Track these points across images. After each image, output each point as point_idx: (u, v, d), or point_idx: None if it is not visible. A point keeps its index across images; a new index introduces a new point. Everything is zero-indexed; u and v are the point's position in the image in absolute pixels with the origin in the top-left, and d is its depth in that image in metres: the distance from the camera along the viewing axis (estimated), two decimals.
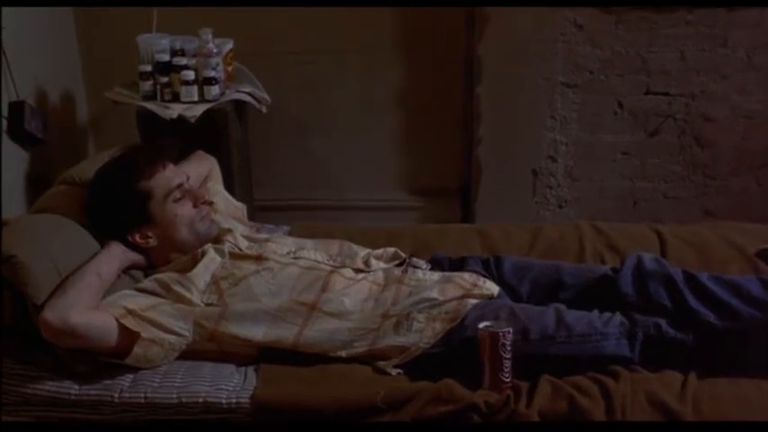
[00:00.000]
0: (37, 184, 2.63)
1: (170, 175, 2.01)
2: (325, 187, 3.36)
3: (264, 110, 2.82)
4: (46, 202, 2.09)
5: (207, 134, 2.57)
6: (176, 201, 2.01)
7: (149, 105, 2.57)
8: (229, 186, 2.53)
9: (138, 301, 1.85)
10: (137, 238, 1.99)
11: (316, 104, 3.24)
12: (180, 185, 2.02)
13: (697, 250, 2.33)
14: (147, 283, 1.93)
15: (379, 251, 2.16)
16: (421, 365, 1.84)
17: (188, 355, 1.88)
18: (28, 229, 1.88)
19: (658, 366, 1.84)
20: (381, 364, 1.86)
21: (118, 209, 1.98)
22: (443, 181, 3.34)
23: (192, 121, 2.52)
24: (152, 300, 1.88)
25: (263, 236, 2.16)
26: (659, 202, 3.21)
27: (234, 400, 1.76)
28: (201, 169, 2.34)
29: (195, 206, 2.04)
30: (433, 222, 3.33)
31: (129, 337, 1.78)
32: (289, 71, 3.14)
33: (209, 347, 1.88)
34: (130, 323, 1.78)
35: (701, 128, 3.08)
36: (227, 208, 2.32)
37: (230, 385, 1.80)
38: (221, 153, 2.55)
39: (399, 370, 1.85)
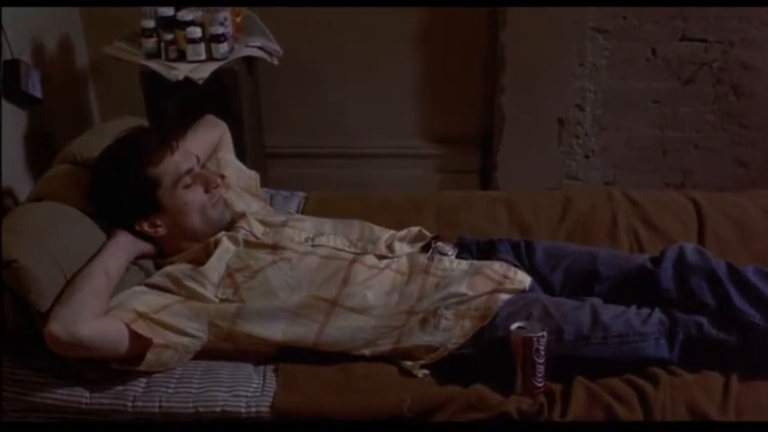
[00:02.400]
0: (37, 143, 2.50)
1: (179, 160, 1.87)
2: (338, 134, 3.20)
3: (276, 62, 2.65)
4: (46, 187, 1.95)
5: (215, 95, 2.41)
6: (186, 187, 1.88)
7: (153, 65, 2.40)
8: (241, 150, 2.39)
9: (148, 302, 1.74)
10: (145, 227, 1.87)
11: (329, 47, 3.04)
12: (190, 170, 1.88)
13: (735, 222, 2.22)
14: (157, 278, 1.82)
15: (403, 232, 2.04)
16: (449, 366, 1.75)
17: (204, 354, 1.78)
18: (28, 225, 1.75)
19: (698, 367, 1.75)
20: (408, 365, 1.76)
21: (124, 198, 1.84)
22: (463, 128, 3.19)
23: (200, 83, 2.35)
24: (163, 298, 1.77)
25: (280, 217, 2.03)
26: (690, 153, 3.06)
27: (253, 409, 1.67)
28: (211, 138, 2.20)
29: (207, 191, 1.91)
30: (451, 172, 3.24)
31: (140, 343, 1.68)
32: (300, 13, 2.94)
33: (226, 347, 1.78)
34: (142, 328, 1.68)
35: (739, 76, 2.90)
36: (240, 180, 2.18)
37: (249, 391, 1.71)
38: (231, 114, 2.39)
39: (426, 371, 1.76)
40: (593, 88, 2.95)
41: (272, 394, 1.71)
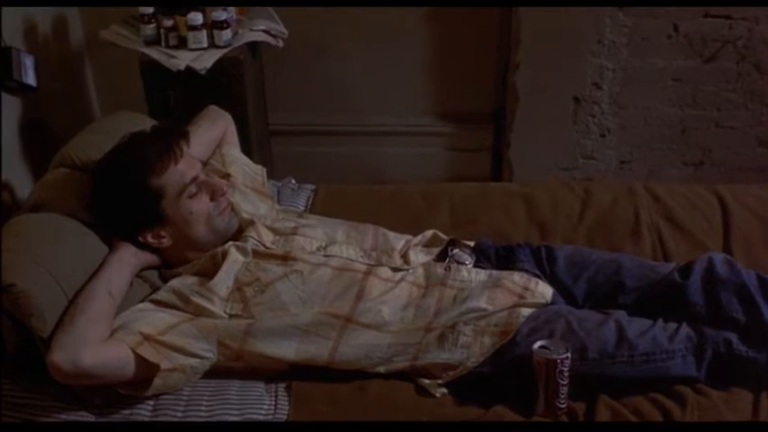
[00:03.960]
0: (33, 131, 2.39)
1: (183, 169, 1.77)
2: (346, 111, 3.09)
3: (281, 44, 2.53)
4: (43, 194, 1.85)
5: (219, 83, 2.30)
6: (191, 196, 1.78)
7: (152, 53, 2.28)
8: (246, 139, 2.29)
9: (154, 322, 1.66)
10: (149, 238, 1.78)
11: (337, 22, 2.91)
12: (195, 179, 1.79)
13: (761, 219, 2.14)
14: (163, 294, 1.74)
15: (418, 238, 1.96)
16: (468, 385, 1.68)
17: (212, 372, 1.71)
18: (26, 244, 1.65)
19: (726, 385, 1.68)
20: (426, 383, 1.69)
21: (126, 210, 1.75)
22: (474, 105, 3.08)
23: (203, 73, 2.24)
24: (170, 316, 1.69)
25: (289, 223, 1.94)
26: (710, 131, 2.96)
27: None
28: (215, 133, 2.10)
29: (213, 199, 1.82)
30: (462, 150, 3.14)
31: (147, 367, 1.60)
32: None
33: (236, 365, 1.71)
34: (148, 352, 1.60)
35: (763, 54, 2.78)
36: (246, 178, 2.09)
37: (260, 413, 1.64)
38: (235, 103, 2.29)
39: (444, 390, 1.69)
40: (611, 66, 2.84)
41: (285, 417, 1.64)
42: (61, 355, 1.52)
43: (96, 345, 1.56)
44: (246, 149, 2.27)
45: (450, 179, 3.13)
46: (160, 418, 1.63)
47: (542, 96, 2.91)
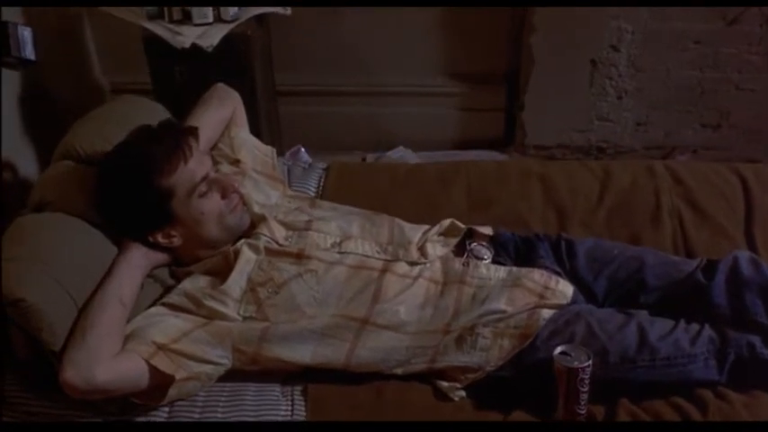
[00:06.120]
0: (34, 105, 2.32)
1: (193, 168, 1.70)
2: (355, 71, 3.01)
3: (289, 11, 2.43)
4: (47, 192, 1.78)
5: (226, 59, 2.21)
6: (202, 195, 1.72)
7: (156, 29, 2.18)
8: (254, 114, 2.21)
9: (167, 329, 1.62)
10: (159, 238, 1.73)
11: None
12: (205, 177, 1.73)
13: None
14: (175, 298, 1.70)
15: (435, 228, 1.90)
16: (487, 388, 1.66)
17: (227, 377, 1.68)
18: (33, 252, 1.59)
19: (748, 388, 1.65)
20: (444, 386, 1.67)
21: (135, 211, 1.69)
22: (488, 66, 2.99)
23: (209, 50, 2.15)
24: (183, 322, 1.65)
25: (303, 217, 1.88)
26: (729, 94, 2.89)
27: None
28: (223, 114, 2.03)
29: (224, 197, 1.76)
30: (475, 110, 3.06)
31: (161, 377, 1.57)
32: None
33: (251, 369, 1.69)
34: (162, 363, 1.57)
35: None
36: (255, 162, 2.02)
37: (277, 419, 1.62)
38: (243, 78, 2.21)
39: (463, 393, 1.67)
40: (630, 29, 2.75)
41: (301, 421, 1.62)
42: (74, 373, 1.48)
43: (109, 360, 1.53)
44: (254, 121, 2.20)
45: (462, 140, 3.06)
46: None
47: (559, 59, 2.83)
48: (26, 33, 2.23)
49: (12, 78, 2.26)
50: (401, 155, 2.94)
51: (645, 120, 2.96)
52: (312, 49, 2.93)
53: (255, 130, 2.15)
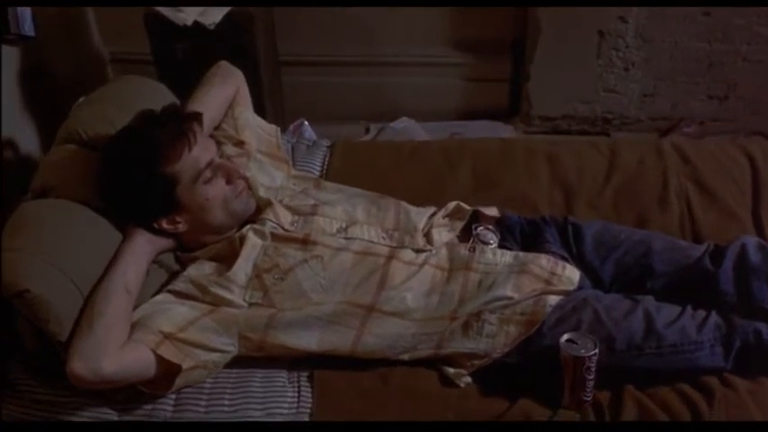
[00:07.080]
0: (34, 80, 2.29)
1: (198, 154, 1.69)
2: (358, 42, 2.97)
3: None
4: (50, 177, 1.77)
5: (229, 36, 2.17)
6: (207, 182, 1.70)
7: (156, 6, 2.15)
8: (258, 93, 2.18)
9: (173, 317, 1.62)
10: (164, 224, 1.71)
11: None
12: (210, 163, 1.71)
13: None
14: (180, 285, 1.69)
15: (441, 212, 1.89)
16: (493, 374, 1.66)
17: (234, 363, 1.68)
18: (37, 242, 1.58)
19: (754, 374, 1.65)
20: (451, 373, 1.67)
21: (139, 198, 1.68)
22: (493, 35, 2.95)
23: (211, 28, 2.11)
24: (189, 310, 1.65)
25: (308, 200, 1.87)
26: (737, 66, 2.86)
27: None
28: (226, 93, 2.00)
29: (229, 182, 1.75)
30: (480, 80, 3.02)
31: (168, 366, 1.57)
32: None
33: (258, 356, 1.69)
34: (169, 352, 1.56)
35: None
36: (260, 142, 2.00)
37: (284, 406, 1.62)
38: (246, 56, 2.17)
39: (469, 379, 1.67)
40: None
41: (308, 410, 1.62)
42: (81, 364, 1.48)
43: (116, 350, 1.52)
44: (257, 95, 2.17)
45: (466, 111, 3.04)
46: (183, 413, 1.61)
47: (566, 30, 2.79)
48: (25, 10, 2.20)
49: (11, 53, 2.23)
50: (405, 125, 2.92)
51: (651, 91, 2.93)
52: (315, 19, 2.89)
53: (259, 103, 2.13)
